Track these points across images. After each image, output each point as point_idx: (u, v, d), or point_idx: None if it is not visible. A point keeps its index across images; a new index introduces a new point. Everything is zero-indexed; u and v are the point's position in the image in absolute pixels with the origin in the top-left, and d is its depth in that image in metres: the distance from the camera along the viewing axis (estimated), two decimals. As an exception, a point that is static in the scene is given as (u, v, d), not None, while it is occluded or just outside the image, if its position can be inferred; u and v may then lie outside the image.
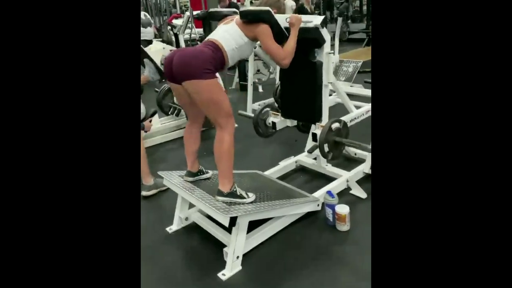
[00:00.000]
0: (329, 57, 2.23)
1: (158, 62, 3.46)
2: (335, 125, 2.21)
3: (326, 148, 2.19)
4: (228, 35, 1.90)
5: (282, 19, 1.97)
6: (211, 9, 2.40)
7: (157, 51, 3.63)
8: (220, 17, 2.10)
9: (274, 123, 2.48)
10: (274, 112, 2.54)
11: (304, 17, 2.10)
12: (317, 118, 2.32)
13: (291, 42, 1.95)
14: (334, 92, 3.77)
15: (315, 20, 2.13)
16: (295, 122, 2.53)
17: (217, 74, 1.86)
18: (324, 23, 2.13)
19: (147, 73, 3.42)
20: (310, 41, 2.16)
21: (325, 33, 2.17)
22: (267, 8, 1.90)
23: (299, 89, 2.36)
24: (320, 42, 2.18)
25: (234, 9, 2.24)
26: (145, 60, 3.39)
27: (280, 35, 1.94)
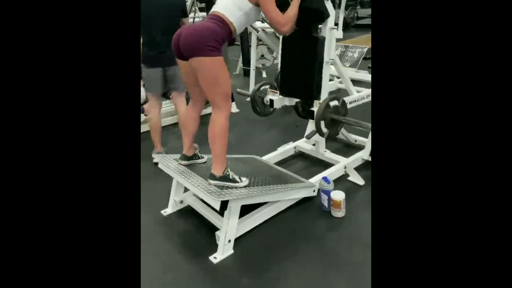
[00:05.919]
0: (332, 32, 2.14)
1: None
2: (333, 102, 2.13)
3: (323, 126, 2.11)
4: (232, 3, 1.84)
5: None
6: None
7: None
8: None
9: (271, 101, 2.40)
10: (273, 90, 2.45)
11: None
12: (316, 95, 2.23)
13: (293, 8, 1.90)
14: (336, 77, 3.72)
15: None
16: (293, 101, 2.42)
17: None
18: None
19: None
20: (313, 12, 2.08)
21: (329, 6, 2.09)
22: None
23: (299, 65, 2.27)
24: (323, 15, 2.10)
25: None
26: None
27: (283, 1, 1.86)
